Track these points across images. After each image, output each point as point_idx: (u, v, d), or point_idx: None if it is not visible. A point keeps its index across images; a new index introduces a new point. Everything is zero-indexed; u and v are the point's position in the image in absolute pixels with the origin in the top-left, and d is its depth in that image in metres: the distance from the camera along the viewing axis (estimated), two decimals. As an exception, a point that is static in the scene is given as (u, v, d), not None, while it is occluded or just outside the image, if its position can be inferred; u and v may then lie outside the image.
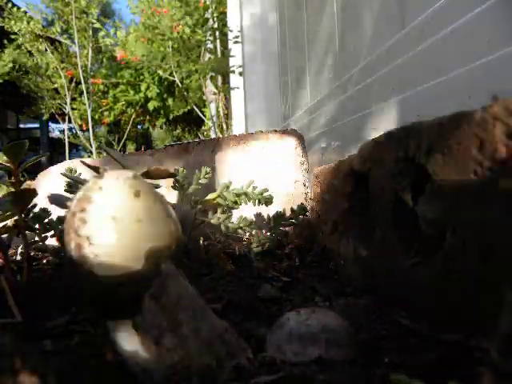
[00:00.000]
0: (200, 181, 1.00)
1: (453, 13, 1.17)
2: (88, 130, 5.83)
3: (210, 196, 0.97)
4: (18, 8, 5.93)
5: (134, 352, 0.44)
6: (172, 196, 1.09)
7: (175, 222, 0.43)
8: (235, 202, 0.95)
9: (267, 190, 0.97)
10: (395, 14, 1.51)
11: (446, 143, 0.51)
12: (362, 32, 1.80)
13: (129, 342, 0.44)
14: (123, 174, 0.40)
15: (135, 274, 0.39)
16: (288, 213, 1.04)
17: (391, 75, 1.55)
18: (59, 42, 6.36)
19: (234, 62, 4.73)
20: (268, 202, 0.97)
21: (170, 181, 1.03)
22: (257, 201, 0.96)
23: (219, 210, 1.00)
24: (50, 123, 10.08)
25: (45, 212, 0.80)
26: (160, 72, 4.97)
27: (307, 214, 1.07)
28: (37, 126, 10.65)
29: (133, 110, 6.63)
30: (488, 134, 0.44)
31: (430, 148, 0.55)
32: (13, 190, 0.69)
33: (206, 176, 0.99)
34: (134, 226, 0.38)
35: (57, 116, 7.14)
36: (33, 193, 0.68)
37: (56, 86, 6.38)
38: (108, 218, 0.38)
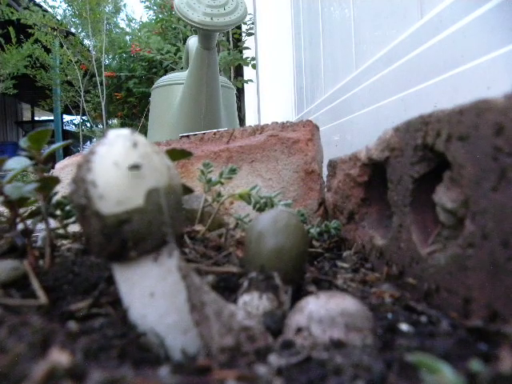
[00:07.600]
0: (224, 176, 1.00)
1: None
2: (102, 122, 5.88)
3: (239, 192, 0.97)
4: (35, 3, 6.00)
5: (146, 319, 0.46)
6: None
7: (169, 167, 0.48)
8: (260, 209, 0.94)
9: (290, 203, 0.96)
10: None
11: (466, 130, 0.51)
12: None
13: (142, 307, 0.47)
14: (122, 131, 0.46)
15: (137, 211, 0.43)
16: (302, 207, 1.04)
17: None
18: (73, 34, 6.40)
19: (247, 54, 4.71)
20: None
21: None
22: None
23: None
24: (63, 116, 10.16)
25: (66, 199, 0.81)
26: (172, 66, 4.97)
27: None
28: (51, 118, 10.74)
29: (146, 103, 6.64)
30: (509, 121, 0.44)
31: (449, 135, 0.55)
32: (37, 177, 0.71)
33: (232, 173, 1.00)
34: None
35: (71, 108, 7.21)
36: (56, 180, 0.69)
37: (69, 78, 6.44)
38: (110, 164, 0.43)
